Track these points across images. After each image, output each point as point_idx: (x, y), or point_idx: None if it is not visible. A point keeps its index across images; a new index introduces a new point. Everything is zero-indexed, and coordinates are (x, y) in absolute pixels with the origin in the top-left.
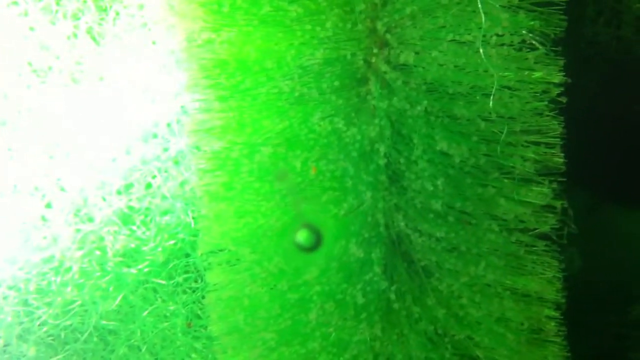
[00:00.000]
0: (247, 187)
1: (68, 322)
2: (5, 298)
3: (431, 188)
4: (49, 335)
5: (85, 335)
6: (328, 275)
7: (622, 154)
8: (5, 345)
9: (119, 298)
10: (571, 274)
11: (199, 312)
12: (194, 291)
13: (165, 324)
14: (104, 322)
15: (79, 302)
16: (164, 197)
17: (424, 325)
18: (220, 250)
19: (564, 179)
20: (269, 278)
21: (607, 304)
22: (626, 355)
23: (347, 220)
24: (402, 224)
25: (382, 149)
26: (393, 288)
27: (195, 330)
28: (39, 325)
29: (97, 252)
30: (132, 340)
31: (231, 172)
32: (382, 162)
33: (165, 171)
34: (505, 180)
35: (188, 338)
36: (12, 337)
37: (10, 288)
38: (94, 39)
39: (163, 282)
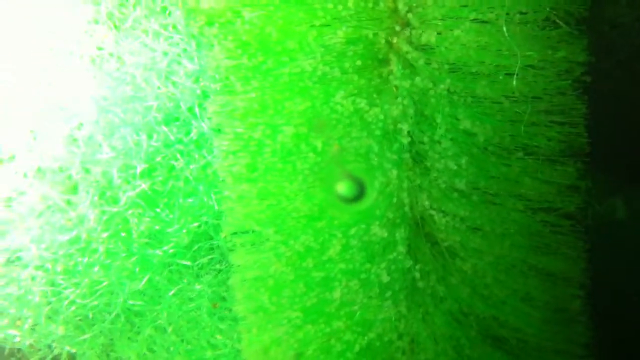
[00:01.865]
0: (270, 168)
1: (95, 303)
2: (33, 279)
3: (455, 167)
4: (76, 315)
5: (113, 315)
6: (352, 253)
7: None
8: (34, 325)
9: (145, 279)
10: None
11: (224, 294)
12: (218, 273)
13: (191, 305)
14: (130, 302)
15: (105, 283)
16: (187, 180)
17: (449, 304)
18: (244, 232)
19: (587, 161)
20: (294, 257)
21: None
22: None
23: (373, 202)
24: (427, 203)
25: (405, 127)
26: (417, 267)
27: (220, 312)
28: (66, 305)
29: (123, 234)
30: (158, 322)
31: (254, 153)
32: (405, 140)
33: (188, 154)
34: (530, 160)
35: (213, 319)
36: (40, 316)
37: (37, 268)
38: (114, 24)
39: (188, 263)
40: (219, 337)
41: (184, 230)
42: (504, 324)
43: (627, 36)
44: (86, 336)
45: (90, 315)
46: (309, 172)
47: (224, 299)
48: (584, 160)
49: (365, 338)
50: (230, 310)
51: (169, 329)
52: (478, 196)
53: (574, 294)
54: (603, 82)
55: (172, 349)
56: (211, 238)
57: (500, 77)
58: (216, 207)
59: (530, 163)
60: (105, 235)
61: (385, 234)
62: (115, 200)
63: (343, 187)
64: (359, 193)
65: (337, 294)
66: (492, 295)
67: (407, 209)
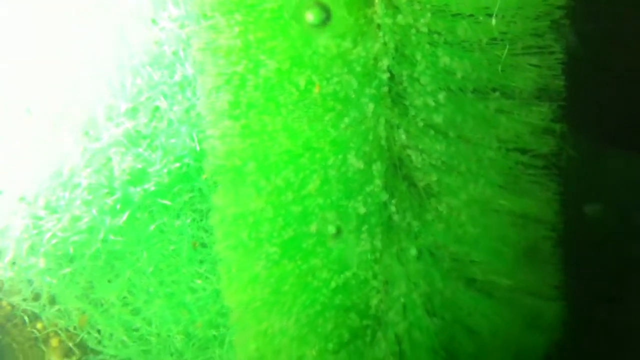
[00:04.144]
0: (253, 104)
1: (76, 238)
2: (14, 212)
3: (433, 104)
4: (57, 250)
5: (93, 250)
6: (330, 187)
7: (625, 99)
8: (14, 258)
9: (126, 214)
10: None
11: (204, 236)
12: (199, 215)
13: (171, 247)
14: (111, 237)
15: (87, 219)
16: (170, 122)
17: (423, 240)
18: (226, 170)
19: (563, 105)
20: (274, 192)
21: (608, 247)
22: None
23: (349, 134)
24: (404, 141)
25: (385, 62)
26: (393, 202)
27: (200, 255)
28: (48, 238)
29: (105, 172)
30: (138, 264)
31: (237, 88)
32: (385, 76)
33: (172, 97)
34: (506, 101)
35: (193, 263)
36: (21, 249)
37: (20, 200)
38: None
39: (168, 202)
40: (198, 281)
41: (165, 170)
42: (476, 262)
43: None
44: (66, 270)
45: (71, 250)
46: (293, 107)
47: (204, 245)
48: (560, 104)
49: (341, 276)
50: (209, 254)
51: (149, 271)
52: (454, 133)
53: (546, 236)
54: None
55: (151, 290)
56: (193, 180)
57: (481, 18)
58: (198, 148)
59: (506, 103)
60: (87, 171)
61: (362, 166)
62: (97, 138)
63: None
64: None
65: (313, 227)
66: (466, 234)
67: (383, 142)
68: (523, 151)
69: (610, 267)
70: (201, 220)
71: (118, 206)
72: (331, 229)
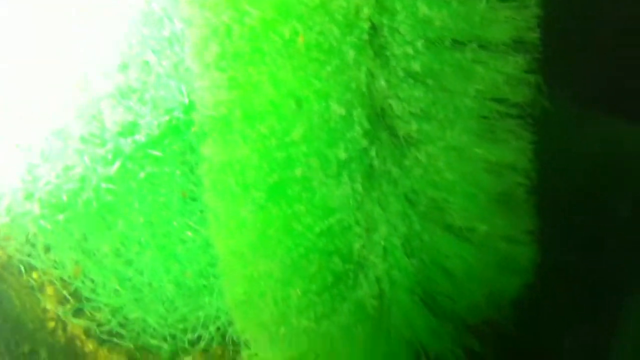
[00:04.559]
0: (239, 53)
1: (69, 185)
2: (10, 159)
3: (412, 52)
4: (51, 197)
5: (85, 198)
6: (313, 133)
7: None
8: (10, 204)
9: (117, 164)
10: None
11: (194, 189)
12: (189, 167)
13: (162, 199)
14: (103, 185)
15: (79, 169)
16: (159, 75)
17: (403, 185)
18: (214, 120)
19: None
20: (259, 139)
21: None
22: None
23: (332, 83)
24: (384, 85)
25: (365, 12)
26: (374, 148)
27: (190, 206)
28: (42, 185)
29: (97, 123)
30: (130, 216)
31: (223, 38)
32: (365, 25)
33: (161, 51)
34: (483, 51)
35: (184, 214)
36: (17, 196)
37: (16, 147)
38: None
39: (158, 154)
40: (189, 233)
41: (155, 122)
42: (453, 207)
43: None
44: (60, 217)
45: (65, 198)
46: (277, 57)
47: (194, 198)
48: (535, 56)
49: (325, 222)
50: (199, 207)
51: (140, 222)
52: (433, 82)
53: (520, 182)
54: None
55: (143, 241)
56: (182, 132)
57: None
58: (187, 102)
59: (483, 54)
60: (80, 122)
61: (343, 113)
62: (90, 91)
63: None
64: None
65: (298, 172)
66: (444, 180)
67: (364, 90)
68: (499, 101)
69: (582, 215)
70: (191, 172)
71: (109, 156)
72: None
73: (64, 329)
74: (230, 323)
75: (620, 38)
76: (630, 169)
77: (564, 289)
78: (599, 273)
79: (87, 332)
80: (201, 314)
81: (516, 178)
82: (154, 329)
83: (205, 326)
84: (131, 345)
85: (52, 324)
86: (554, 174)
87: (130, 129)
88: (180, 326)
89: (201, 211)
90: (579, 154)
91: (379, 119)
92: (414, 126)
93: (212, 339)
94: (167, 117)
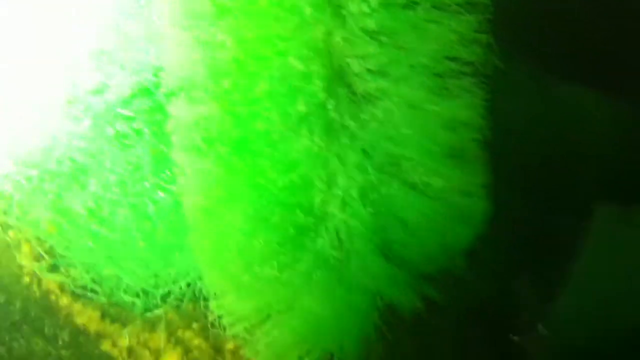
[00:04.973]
0: (202, 15)
1: (42, 143)
2: None
3: (367, 10)
4: (25, 155)
5: (58, 154)
6: (273, 89)
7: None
8: None
9: (88, 121)
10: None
11: (165, 149)
12: (158, 126)
13: (133, 159)
14: (75, 142)
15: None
16: (129, 37)
17: (361, 139)
18: (179, 79)
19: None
20: (223, 95)
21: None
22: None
23: (291, 39)
24: (341, 42)
25: None
26: (332, 102)
27: (160, 165)
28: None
29: (68, 82)
30: (102, 176)
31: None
32: None
33: (133, 14)
34: (436, 10)
35: (155, 174)
36: None
37: None
38: None
39: (129, 113)
40: (160, 193)
41: (126, 82)
42: (409, 160)
43: None
44: (34, 173)
45: (37, 155)
46: (240, 14)
47: (165, 158)
48: (487, 16)
49: (288, 176)
50: (169, 166)
51: (113, 181)
52: (388, 40)
53: (473, 138)
54: None
55: (115, 200)
56: (152, 93)
57: None
58: (156, 63)
59: (436, 13)
60: (50, 81)
61: (302, 67)
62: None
63: None
64: None
65: (260, 126)
66: (400, 134)
67: (321, 46)
68: (452, 59)
69: (533, 169)
70: (161, 132)
71: (80, 114)
72: None
73: (39, 284)
74: (200, 278)
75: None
76: (578, 129)
77: (515, 239)
78: (548, 224)
79: (62, 287)
80: (172, 270)
81: (470, 134)
82: (127, 285)
83: (176, 281)
84: (105, 300)
85: (27, 279)
86: (506, 132)
87: (100, 88)
88: (152, 282)
89: (171, 170)
90: (531, 113)
91: (338, 75)
92: (371, 83)
93: (183, 294)
94: (137, 78)
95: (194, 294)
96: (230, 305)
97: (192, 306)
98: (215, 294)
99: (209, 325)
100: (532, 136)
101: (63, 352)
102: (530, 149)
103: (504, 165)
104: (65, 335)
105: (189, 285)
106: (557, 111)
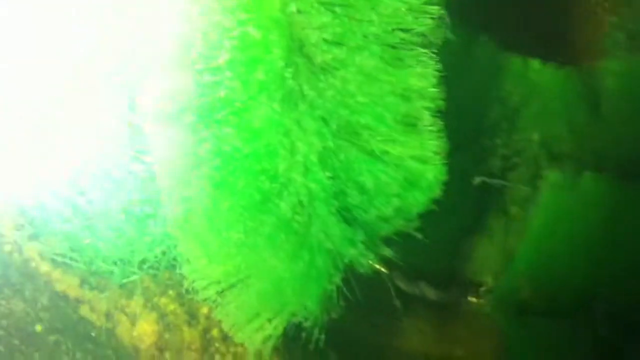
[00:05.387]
0: None
1: None
2: None
3: None
4: None
5: None
6: (234, 58)
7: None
8: None
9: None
10: None
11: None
12: (133, 100)
13: (109, 131)
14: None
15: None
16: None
17: (319, 107)
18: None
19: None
20: (189, 64)
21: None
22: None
23: (249, 10)
24: (294, 10)
25: None
26: (290, 70)
27: (137, 137)
28: None
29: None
30: None
31: None
32: None
33: None
34: None
35: (132, 144)
36: None
37: None
38: None
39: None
40: (136, 165)
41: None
42: (365, 128)
43: None
44: None
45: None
46: None
47: (140, 129)
48: None
49: (253, 144)
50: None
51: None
52: (342, 11)
53: (426, 107)
54: None
55: (95, 174)
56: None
57: None
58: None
59: None
60: None
61: (260, 36)
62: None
63: None
64: None
65: (222, 93)
66: (356, 102)
67: (278, 15)
68: (404, 30)
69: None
70: (134, 105)
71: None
72: None
73: (20, 252)
74: (175, 246)
75: None
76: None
77: (467, 203)
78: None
79: (42, 255)
80: (148, 238)
81: (423, 103)
82: (105, 254)
83: (151, 249)
84: (84, 268)
85: (8, 247)
86: (458, 101)
87: None
88: (129, 249)
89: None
90: (481, 83)
91: (296, 46)
92: (328, 54)
93: (159, 262)
94: None
95: (170, 264)
96: (202, 270)
97: (169, 275)
98: (188, 259)
99: (184, 292)
100: (481, 103)
101: (42, 314)
102: (480, 116)
103: (456, 132)
104: (44, 300)
105: (164, 253)
106: (503, 78)
